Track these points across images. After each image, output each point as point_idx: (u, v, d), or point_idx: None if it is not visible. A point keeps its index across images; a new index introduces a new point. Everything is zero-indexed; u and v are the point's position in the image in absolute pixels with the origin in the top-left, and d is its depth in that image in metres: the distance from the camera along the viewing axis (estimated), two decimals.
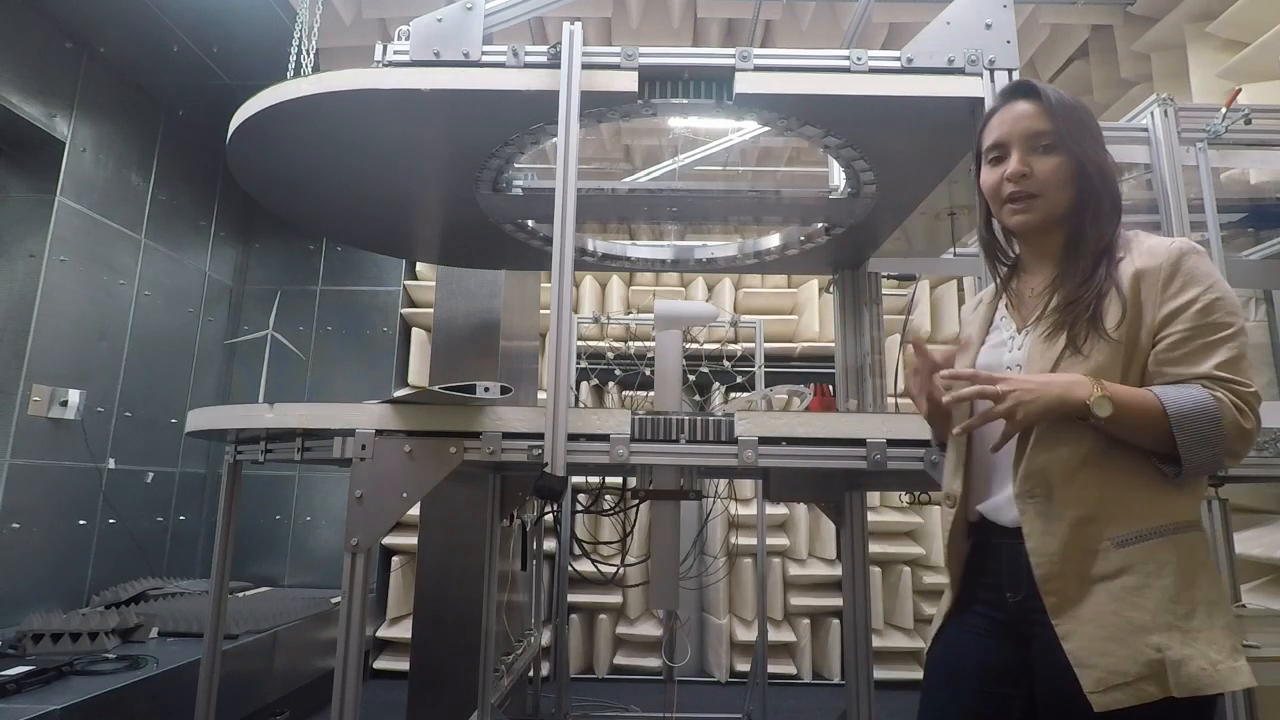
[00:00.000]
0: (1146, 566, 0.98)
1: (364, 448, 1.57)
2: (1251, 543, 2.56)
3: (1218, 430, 0.95)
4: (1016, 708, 1.08)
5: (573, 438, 1.55)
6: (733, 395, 4.26)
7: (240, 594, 3.83)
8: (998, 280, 1.24)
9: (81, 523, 3.42)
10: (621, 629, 4.41)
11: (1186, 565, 0.98)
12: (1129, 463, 1.01)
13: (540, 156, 2.50)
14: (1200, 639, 0.95)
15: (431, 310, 3.34)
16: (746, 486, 4.36)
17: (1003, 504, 1.11)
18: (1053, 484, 1.03)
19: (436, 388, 1.52)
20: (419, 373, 4.63)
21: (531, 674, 3.72)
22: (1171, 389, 0.98)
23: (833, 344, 2.69)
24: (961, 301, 4.46)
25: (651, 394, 2.64)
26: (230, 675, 2.73)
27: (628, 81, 1.67)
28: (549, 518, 3.61)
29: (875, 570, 4.32)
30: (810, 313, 4.72)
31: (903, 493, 3.59)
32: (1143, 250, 1.07)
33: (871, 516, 4.03)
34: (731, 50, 1.67)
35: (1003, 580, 1.09)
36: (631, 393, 4.48)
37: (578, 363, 4.20)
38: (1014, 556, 1.07)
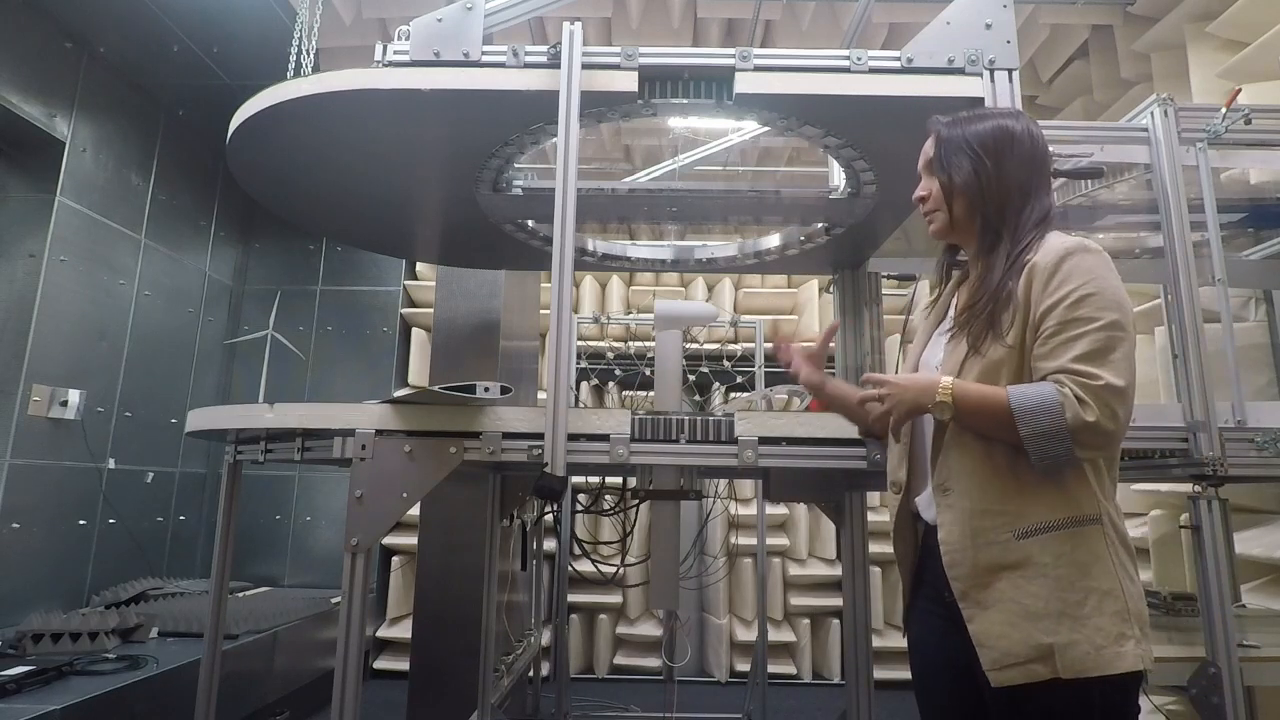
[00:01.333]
0: (1044, 557, 1.06)
1: (364, 448, 1.57)
2: (1251, 543, 2.56)
3: (1060, 423, 1.02)
4: (979, 696, 1.14)
5: (573, 438, 1.55)
6: (733, 395, 4.26)
7: (240, 594, 3.83)
8: (943, 283, 1.38)
9: (81, 523, 3.42)
10: (621, 629, 4.41)
11: (1081, 557, 1.06)
12: (1021, 463, 1.08)
13: (540, 156, 2.50)
14: (1088, 625, 1.03)
15: (431, 310, 3.34)
16: (746, 486, 4.36)
17: (926, 502, 1.22)
18: (959, 479, 1.13)
19: (436, 388, 1.52)
20: (419, 373, 4.63)
21: (531, 674, 3.72)
22: (1024, 386, 1.07)
23: (833, 344, 2.69)
24: None
25: (651, 394, 2.64)
26: (230, 675, 2.73)
27: (628, 81, 1.66)
28: (549, 518, 3.61)
29: (875, 570, 4.32)
30: (810, 313, 4.72)
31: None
32: (1041, 250, 1.15)
33: (871, 516, 4.04)
34: (731, 50, 1.67)
35: (939, 578, 1.16)
36: (631, 393, 4.48)
37: (578, 363, 4.20)
38: (939, 554, 1.15)
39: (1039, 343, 1.09)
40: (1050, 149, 1.28)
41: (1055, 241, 1.15)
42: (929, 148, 1.29)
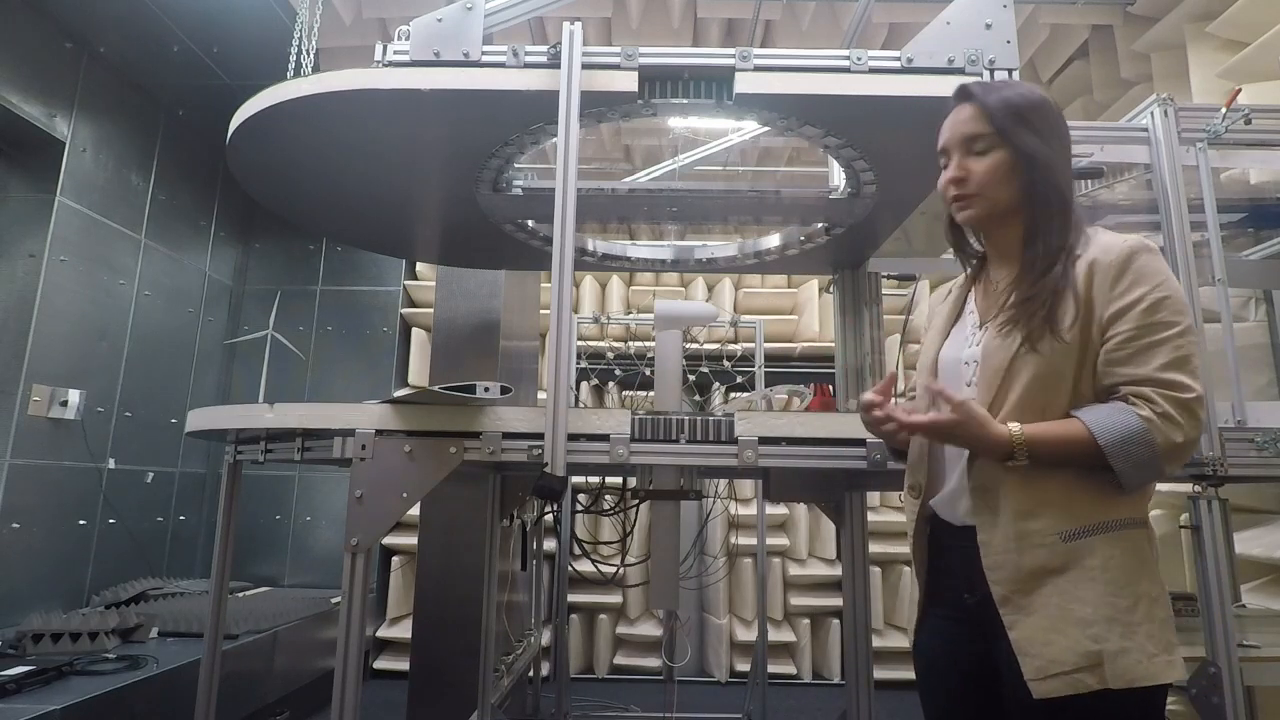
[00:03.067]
0: (1091, 561, 1.00)
1: (364, 448, 1.57)
2: (1251, 543, 2.56)
3: (1152, 453, 0.98)
4: (991, 708, 1.11)
5: (573, 438, 1.55)
6: (733, 395, 4.26)
7: (240, 594, 3.83)
8: (967, 270, 1.28)
9: (81, 523, 3.42)
10: (621, 629, 4.41)
11: (1130, 561, 1.01)
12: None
13: (540, 156, 2.50)
14: (1139, 633, 0.98)
15: (431, 310, 3.34)
16: (746, 486, 4.36)
17: (954, 500, 1.15)
18: (1001, 480, 1.06)
19: (436, 388, 1.52)
20: (419, 373, 4.63)
21: (531, 674, 3.72)
22: (1100, 415, 1.01)
23: (833, 344, 2.69)
24: None
25: (651, 394, 2.64)
26: (230, 675, 2.73)
27: (628, 81, 1.66)
28: (549, 518, 3.61)
29: (875, 570, 4.32)
30: (810, 313, 4.72)
31: (903, 493, 3.58)
32: (1097, 247, 1.08)
33: (871, 516, 4.04)
34: (731, 50, 1.67)
35: (959, 582, 1.13)
36: (631, 393, 4.48)
37: (578, 363, 4.20)
38: (968, 558, 1.10)
39: (1114, 347, 1.03)
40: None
41: (1110, 238, 1.08)
42: (969, 120, 1.14)
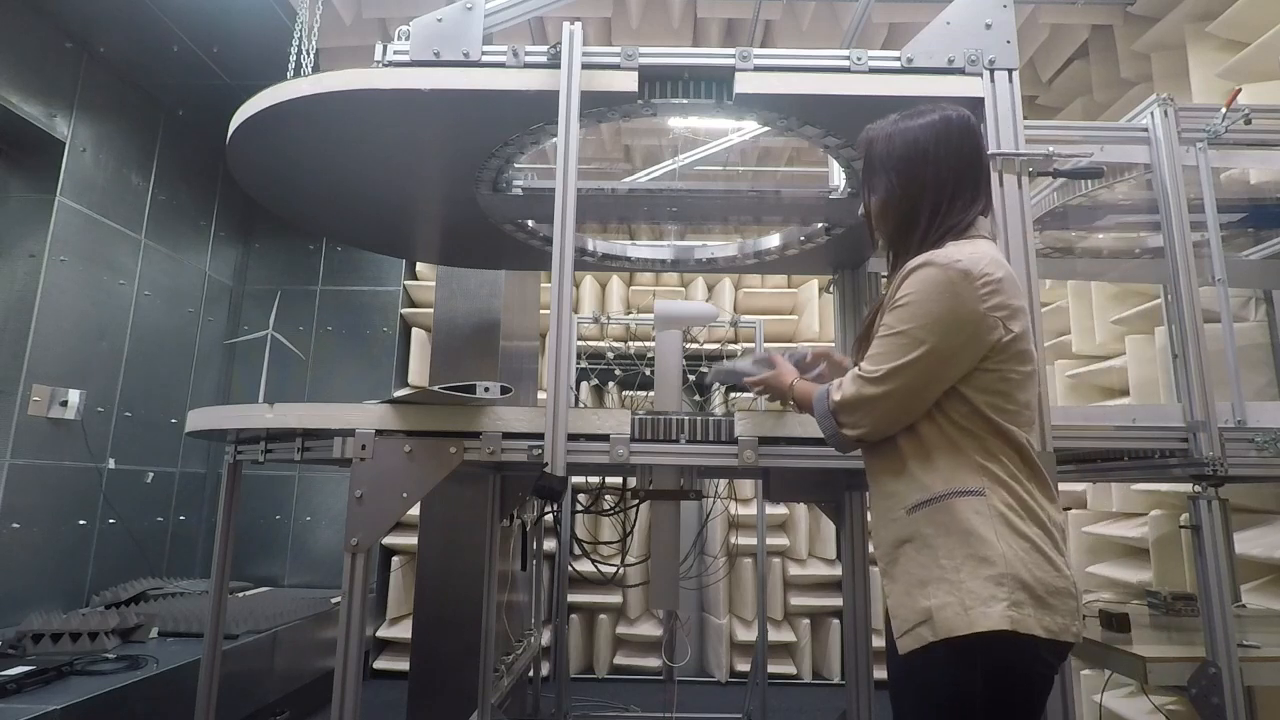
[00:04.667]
0: (926, 529, 1.15)
1: (364, 448, 1.57)
2: (1251, 543, 2.56)
3: (828, 423, 1.26)
4: None
5: (573, 438, 1.55)
6: (733, 395, 4.26)
7: (240, 594, 3.83)
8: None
9: (81, 523, 3.42)
10: (621, 629, 4.41)
11: (959, 526, 1.12)
12: (913, 440, 1.19)
13: (540, 156, 2.49)
14: (961, 588, 1.09)
15: (431, 310, 3.34)
16: (746, 486, 4.36)
17: None
18: (869, 467, 1.29)
19: (436, 388, 1.52)
20: (419, 373, 4.63)
21: (531, 674, 3.72)
22: (825, 386, 1.29)
23: (833, 344, 2.69)
24: None
25: (651, 394, 2.64)
26: (230, 675, 2.73)
27: (628, 81, 1.66)
28: (549, 518, 3.61)
29: (875, 570, 4.31)
30: (810, 313, 4.72)
31: None
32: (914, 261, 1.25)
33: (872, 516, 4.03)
34: (731, 50, 1.67)
35: None
36: (631, 393, 4.48)
37: (578, 363, 4.20)
38: None
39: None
40: (981, 146, 1.30)
41: (929, 254, 1.20)
42: (862, 163, 1.35)
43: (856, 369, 1.22)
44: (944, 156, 1.25)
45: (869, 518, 1.26)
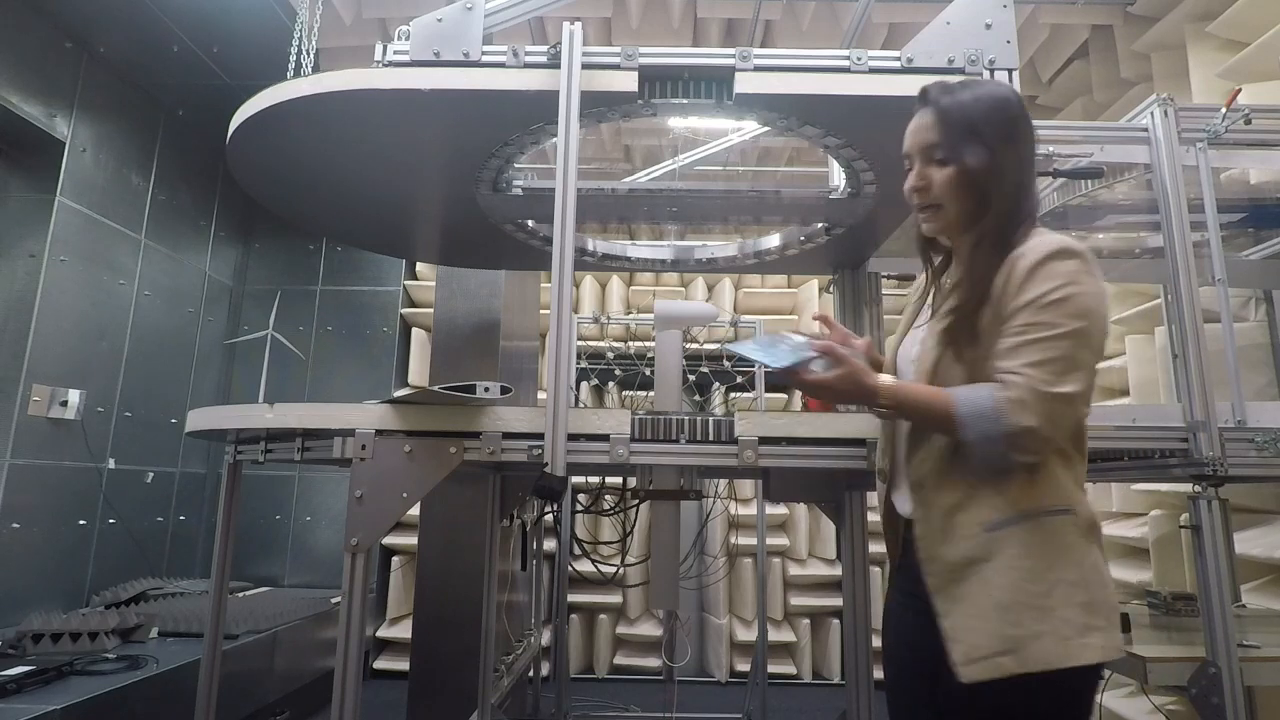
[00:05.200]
0: (1011, 550, 1.05)
1: (364, 448, 1.57)
2: (1251, 543, 2.56)
3: (996, 429, 1.02)
4: (931, 686, 1.15)
5: (573, 438, 1.55)
6: (733, 395, 4.26)
7: (240, 594, 3.83)
8: (928, 272, 1.31)
9: (81, 523, 3.42)
10: (621, 629, 4.41)
11: (1048, 549, 1.05)
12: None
13: (540, 156, 2.49)
14: (1054, 617, 1.01)
15: (431, 310, 3.34)
16: (746, 486, 4.36)
17: (901, 494, 1.23)
18: (929, 476, 1.13)
19: (436, 388, 1.51)
20: (419, 373, 4.63)
21: (531, 674, 3.72)
22: (968, 389, 1.07)
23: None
24: None
25: (651, 394, 2.64)
26: (230, 675, 2.73)
27: (628, 81, 1.66)
28: (549, 518, 3.61)
29: (875, 570, 4.32)
30: (810, 312, 4.72)
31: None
32: (1025, 249, 1.10)
33: (871, 516, 4.02)
34: (731, 50, 1.66)
35: (916, 570, 1.16)
36: (631, 393, 4.48)
37: (578, 363, 4.20)
38: (911, 549, 1.17)
39: (1003, 339, 1.07)
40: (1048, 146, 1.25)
41: (1041, 240, 1.10)
42: (928, 128, 1.15)
43: (1020, 376, 1.02)
44: (1029, 134, 1.15)
45: (916, 531, 1.15)
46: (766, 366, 1.19)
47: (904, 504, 1.22)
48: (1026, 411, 1.00)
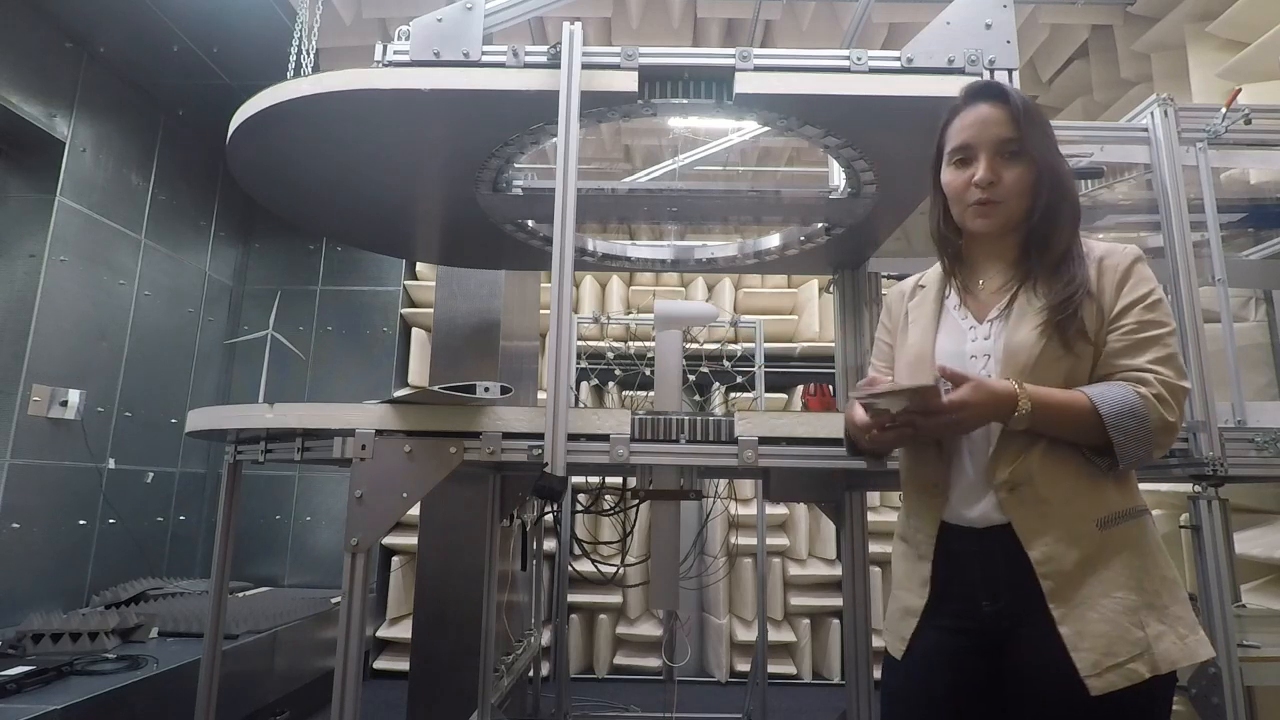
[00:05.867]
0: (1123, 548, 1.03)
1: (364, 448, 1.57)
2: (1251, 543, 2.56)
3: (1145, 427, 1.01)
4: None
5: (573, 438, 1.55)
6: (733, 395, 4.26)
7: (240, 594, 3.83)
8: (949, 272, 1.25)
9: (81, 523, 3.42)
10: (621, 629, 4.41)
11: (1149, 546, 1.05)
12: (1079, 453, 1.06)
13: (540, 156, 2.49)
14: (1169, 615, 1.01)
15: (431, 310, 3.34)
16: (746, 486, 4.36)
17: (970, 500, 1.11)
18: (1034, 471, 1.06)
19: (436, 388, 1.52)
20: (419, 373, 4.63)
21: (531, 674, 3.72)
22: (1101, 388, 1.04)
23: (833, 344, 2.69)
24: None
25: (651, 394, 2.64)
26: (230, 675, 2.73)
27: (628, 81, 1.66)
28: (549, 518, 3.61)
29: (875, 570, 4.32)
30: (810, 313, 4.72)
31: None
32: (1103, 252, 1.13)
33: (871, 516, 4.03)
34: (731, 50, 1.66)
35: (975, 590, 1.09)
36: (631, 393, 4.48)
37: (578, 363, 4.20)
38: (989, 562, 1.08)
39: (1115, 339, 1.08)
40: None
41: (1111, 245, 1.14)
42: (1003, 123, 1.12)
43: (1151, 373, 1.03)
44: None
45: (1024, 536, 1.06)
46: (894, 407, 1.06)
47: (973, 512, 1.10)
48: (1168, 407, 1.02)
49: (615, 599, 4.40)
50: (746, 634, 4.23)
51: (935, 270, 1.29)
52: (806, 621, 4.38)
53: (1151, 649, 0.98)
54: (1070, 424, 1.03)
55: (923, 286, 1.30)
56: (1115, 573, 1.01)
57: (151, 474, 3.90)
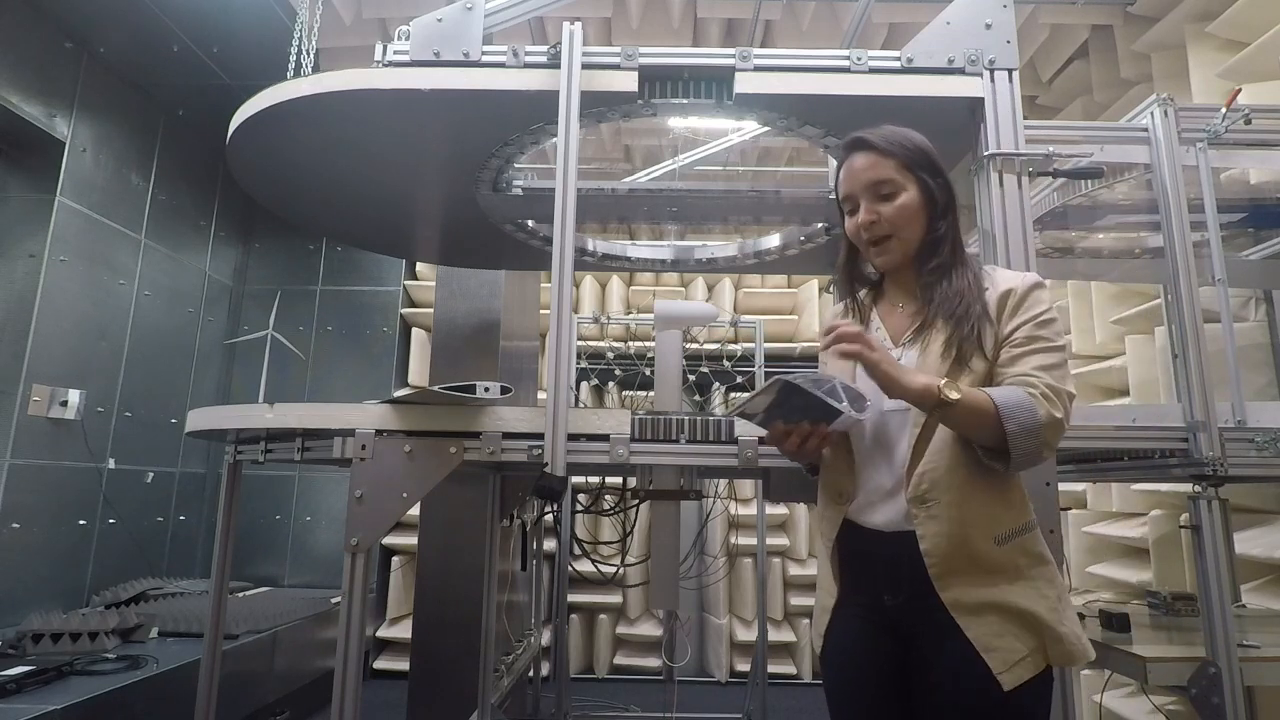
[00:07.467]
0: (1020, 560, 1.15)
1: (364, 448, 1.57)
2: (1251, 543, 2.56)
3: (1035, 419, 1.08)
4: (903, 703, 1.20)
5: (573, 438, 1.55)
6: (733, 395, 4.26)
7: (240, 594, 3.83)
8: (852, 299, 1.35)
9: (81, 523, 3.42)
10: (621, 629, 4.41)
11: (1042, 557, 1.18)
12: (991, 472, 1.14)
13: (540, 156, 2.49)
14: (1066, 618, 1.14)
15: (431, 310, 3.34)
16: (746, 486, 4.36)
17: (880, 507, 1.21)
18: (941, 490, 1.15)
19: (436, 388, 1.51)
20: (419, 373, 4.63)
21: (531, 674, 3.72)
22: (995, 389, 1.12)
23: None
24: None
25: (651, 394, 2.64)
26: (230, 675, 2.73)
27: (628, 81, 1.66)
28: (549, 518, 3.61)
29: None
30: (810, 313, 4.72)
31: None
32: (1006, 279, 1.23)
33: None
34: (731, 50, 1.67)
35: (879, 585, 1.21)
36: (631, 393, 4.48)
37: (578, 363, 4.20)
38: (894, 562, 1.18)
39: (1006, 350, 1.18)
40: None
41: (1011, 273, 1.25)
42: (870, 167, 1.23)
43: (1035, 377, 1.11)
44: (944, 169, 1.28)
45: (926, 544, 1.16)
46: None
47: (882, 518, 1.20)
48: (1054, 404, 1.10)
49: (615, 599, 4.40)
50: (746, 634, 4.23)
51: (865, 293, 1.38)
52: (806, 621, 4.37)
53: (1050, 646, 1.11)
54: (975, 417, 1.10)
55: (841, 313, 1.40)
56: (1013, 582, 1.13)
57: (151, 474, 3.90)
